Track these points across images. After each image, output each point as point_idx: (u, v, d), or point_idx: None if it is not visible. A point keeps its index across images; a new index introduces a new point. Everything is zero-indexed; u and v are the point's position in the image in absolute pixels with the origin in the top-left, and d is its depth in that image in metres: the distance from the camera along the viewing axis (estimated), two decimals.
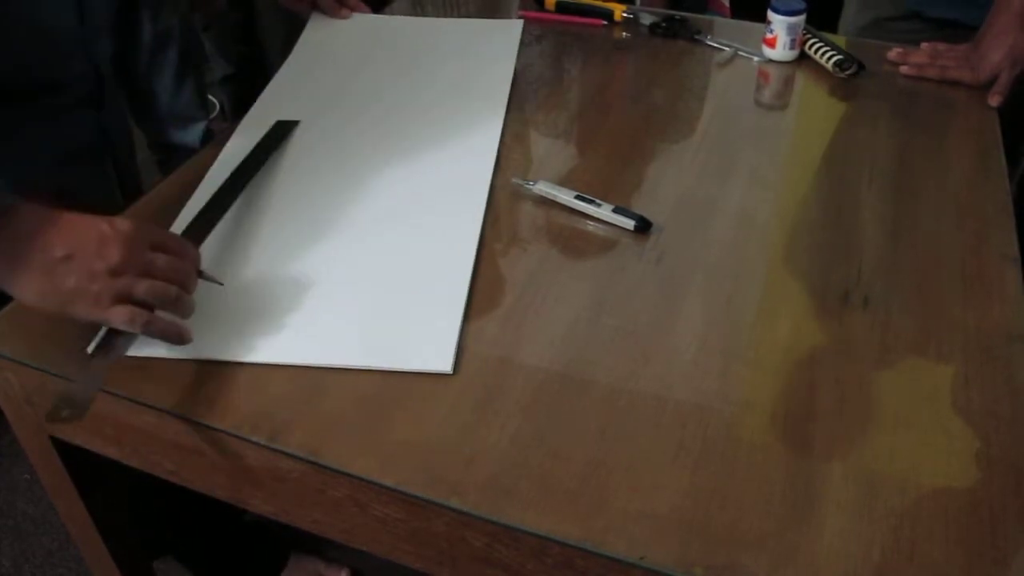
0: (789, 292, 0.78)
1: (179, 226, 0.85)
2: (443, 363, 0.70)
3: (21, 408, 0.76)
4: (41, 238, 0.64)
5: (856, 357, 0.71)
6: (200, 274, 0.72)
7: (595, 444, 0.64)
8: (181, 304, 0.69)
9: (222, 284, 0.74)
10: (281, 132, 1.01)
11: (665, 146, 1.02)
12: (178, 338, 0.68)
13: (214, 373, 0.70)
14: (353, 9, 1.24)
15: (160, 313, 0.68)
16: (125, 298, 0.65)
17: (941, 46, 1.14)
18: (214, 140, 1.03)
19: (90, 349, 0.68)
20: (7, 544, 1.52)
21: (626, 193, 0.91)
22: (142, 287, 0.66)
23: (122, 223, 0.67)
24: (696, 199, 0.90)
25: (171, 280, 0.68)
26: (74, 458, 0.78)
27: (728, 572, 0.55)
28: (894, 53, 1.15)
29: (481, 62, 1.17)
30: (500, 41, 1.23)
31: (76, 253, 0.64)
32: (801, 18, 1.13)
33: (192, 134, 1.65)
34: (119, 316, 0.65)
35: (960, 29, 1.21)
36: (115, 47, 1.49)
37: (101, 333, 0.69)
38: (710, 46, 1.22)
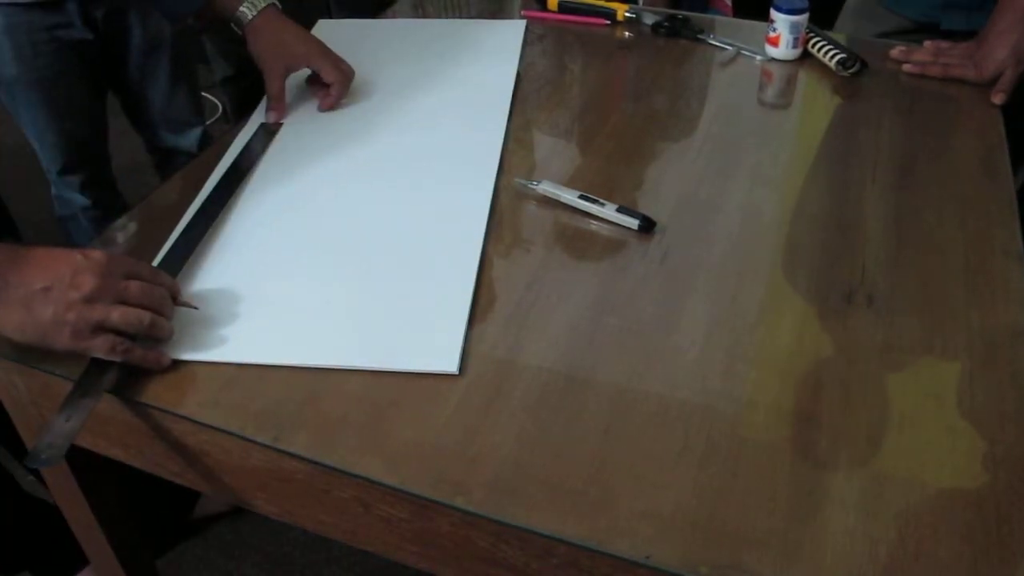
0: (793, 291, 0.78)
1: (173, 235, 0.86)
2: (448, 364, 0.70)
3: (26, 410, 0.77)
4: (17, 273, 0.66)
5: (860, 356, 0.71)
6: (175, 300, 0.73)
7: (600, 444, 0.64)
8: (156, 329, 0.70)
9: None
10: (264, 137, 1.01)
11: (668, 145, 1.02)
12: (157, 364, 0.70)
13: (218, 374, 0.70)
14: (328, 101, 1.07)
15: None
16: (102, 327, 0.67)
17: (944, 44, 1.14)
18: (214, 143, 1.04)
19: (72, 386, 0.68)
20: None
21: (630, 193, 0.91)
22: (116, 315, 0.67)
23: (95, 253, 0.68)
24: (699, 198, 0.90)
25: (144, 306, 0.69)
26: (79, 459, 0.78)
27: (733, 571, 0.55)
28: (897, 51, 1.15)
29: (484, 63, 1.17)
30: (503, 41, 1.23)
31: (53, 285, 0.66)
32: (804, 16, 1.13)
33: (188, 139, 1.65)
34: (100, 345, 0.67)
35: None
36: (107, 50, 1.50)
37: (83, 370, 0.69)
38: (713, 45, 1.22)
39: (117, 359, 0.68)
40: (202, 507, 1.48)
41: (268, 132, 1.02)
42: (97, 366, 0.68)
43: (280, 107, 1.05)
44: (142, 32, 1.50)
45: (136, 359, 0.69)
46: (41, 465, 0.64)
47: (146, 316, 0.69)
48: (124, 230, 0.90)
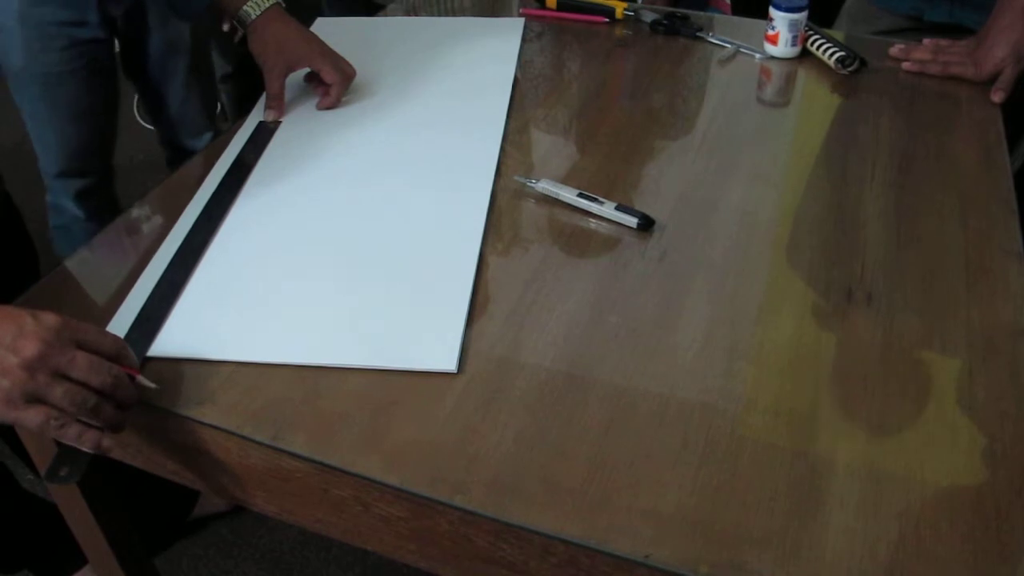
0: (792, 289, 0.78)
1: (169, 239, 0.86)
2: (447, 362, 0.70)
3: None
4: None
5: (860, 354, 0.71)
6: (132, 379, 0.65)
7: (599, 442, 0.63)
8: (100, 414, 0.63)
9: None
10: (263, 136, 1.01)
11: (667, 144, 1.01)
12: (94, 446, 0.63)
13: (217, 373, 0.70)
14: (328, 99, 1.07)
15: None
16: (40, 398, 0.60)
17: (944, 42, 1.14)
18: (214, 140, 1.03)
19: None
20: None
21: (628, 191, 0.91)
22: (58, 392, 0.60)
23: (47, 317, 0.61)
24: (698, 197, 0.90)
25: (91, 383, 0.62)
26: None
27: (733, 570, 0.55)
28: (896, 49, 1.15)
29: (483, 60, 1.17)
30: (501, 39, 1.23)
31: None
32: (803, 14, 1.13)
33: (202, 142, 1.66)
34: (32, 418, 0.60)
35: (962, 34, 1.21)
36: (125, 50, 1.51)
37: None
38: (712, 43, 1.22)
39: (51, 436, 0.62)
40: (201, 506, 1.47)
41: (266, 130, 1.02)
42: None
43: (279, 106, 1.05)
44: (161, 35, 1.51)
45: (72, 438, 0.62)
46: (60, 482, 0.62)
47: (91, 399, 0.62)
48: (122, 228, 0.89)
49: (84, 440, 0.63)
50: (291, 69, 1.06)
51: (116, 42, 1.51)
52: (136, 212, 0.92)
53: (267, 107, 1.05)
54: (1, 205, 1.28)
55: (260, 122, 1.04)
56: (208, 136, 1.66)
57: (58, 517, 0.88)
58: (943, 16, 1.26)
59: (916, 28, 1.29)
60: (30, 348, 0.59)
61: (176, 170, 0.99)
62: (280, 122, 1.04)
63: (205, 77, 1.65)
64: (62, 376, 0.61)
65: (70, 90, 1.45)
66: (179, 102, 1.60)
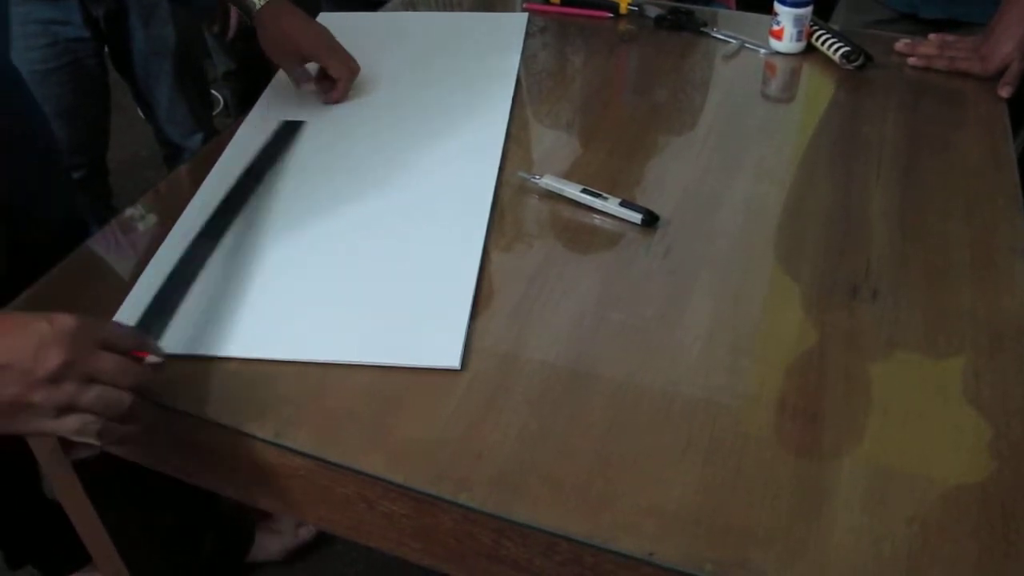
0: (797, 286, 0.78)
1: (171, 237, 0.86)
2: (451, 359, 0.69)
3: None
4: None
5: (865, 351, 0.70)
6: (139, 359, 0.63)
7: (602, 439, 0.63)
8: (134, 415, 0.61)
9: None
10: (287, 135, 1.01)
11: (671, 139, 1.01)
12: (136, 439, 0.63)
13: (220, 369, 0.70)
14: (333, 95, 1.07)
15: None
16: (72, 407, 0.58)
17: (950, 37, 1.13)
18: (216, 137, 1.03)
19: None
20: None
21: (632, 186, 0.91)
22: (89, 397, 0.58)
23: (63, 321, 0.58)
24: (703, 192, 0.90)
25: (120, 384, 0.59)
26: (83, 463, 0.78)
27: (737, 568, 0.55)
28: (902, 44, 1.15)
29: (486, 56, 1.17)
30: (505, 35, 1.22)
31: (13, 362, 0.56)
32: (808, 9, 1.12)
33: (193, 141, 1.66)
34: (68, 427, 0.58)
35: (956, 28, 1.20)
36: (112, 49, 1.51)
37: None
38: (716, 38, 1.21)
39: (90, 441, 0.60)
40: (254, 554, 1.43)
41: (288, 132, 1.01)
42: None
43: (310, 80, 1.07)
44: (144, 36, 1.51)
45: (109, 442, 0.61)
46: (81, 458, 0.61)
47: (126, 398, 0.60)
48: (127, 222, 0.89)
49: (128, 438, 0.61)
50: (303, 61, 1.06)
51: (105, 42, 1.52)
52: (138, 209, 0.91)
53: (301, 87, 1.07)
54: None
55: (285, 122, 1.02)
56: (199, 136, 1.66)
57: (63, 513, 0.88)
58: (937, 12, 1.26)
59: (912, 17, 1.29)
60: (53, 358, 0.57)
61: (173, 168, 0.99)
62: (304, 122, 1.02)
63: (195, 79, 1.65)
64: (90, 380, 0.58)
65: (54, 87, 1.45)
66: (167, 102, 1.61)
